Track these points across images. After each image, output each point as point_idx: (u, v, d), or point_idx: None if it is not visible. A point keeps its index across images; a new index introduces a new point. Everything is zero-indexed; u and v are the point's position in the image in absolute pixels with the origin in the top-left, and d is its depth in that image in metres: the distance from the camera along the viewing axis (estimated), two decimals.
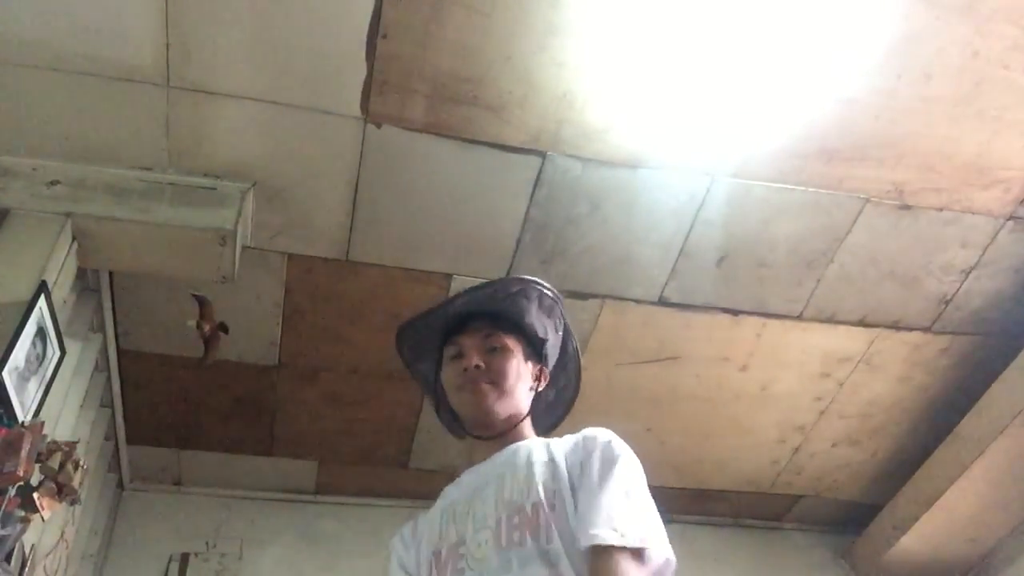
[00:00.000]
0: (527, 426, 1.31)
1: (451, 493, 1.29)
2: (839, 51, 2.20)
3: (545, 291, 1.35)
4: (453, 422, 1.37)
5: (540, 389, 1.35)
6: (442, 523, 1.23)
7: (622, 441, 1.20)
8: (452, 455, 3.04)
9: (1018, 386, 2.89)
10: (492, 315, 1.33)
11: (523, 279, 1.36)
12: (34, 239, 2.07)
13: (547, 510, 1.11)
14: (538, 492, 1.14)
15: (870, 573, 3.49)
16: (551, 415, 1.45)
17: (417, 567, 1.25)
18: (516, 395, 1.29)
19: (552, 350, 1.39)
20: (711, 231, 2.58)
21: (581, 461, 1.16)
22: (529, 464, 1.19)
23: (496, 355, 1.29)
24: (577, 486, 1.14)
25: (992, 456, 2.95)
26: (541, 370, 1.36)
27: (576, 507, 1.11)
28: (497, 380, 1.27)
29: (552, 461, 1.19)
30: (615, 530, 1.03)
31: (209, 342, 2.47)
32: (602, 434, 1.21)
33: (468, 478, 1.27)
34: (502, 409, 1.27)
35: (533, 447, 1.24)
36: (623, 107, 2.27)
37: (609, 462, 1.15)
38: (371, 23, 2.04)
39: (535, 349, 1.36)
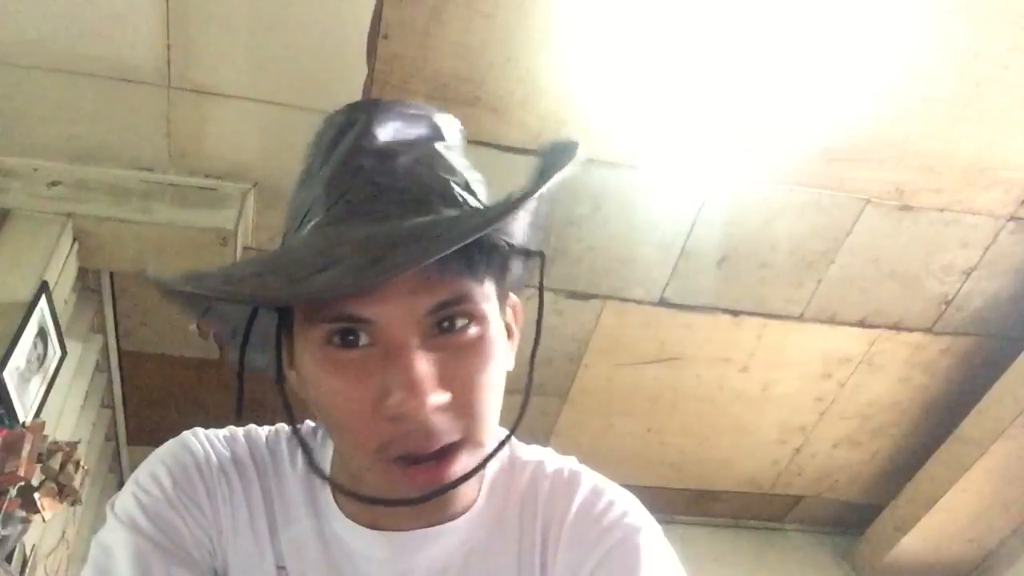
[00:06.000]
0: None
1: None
2: (839, 52, 2.20)
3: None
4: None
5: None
6: None
7: (653, 525, 0.69)
8: None
9: (1019, 386, 2.89)
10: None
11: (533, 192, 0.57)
12: (35, 239, 2.07)
13: None
14: None
15: (871, 574, 3.48)
16: None
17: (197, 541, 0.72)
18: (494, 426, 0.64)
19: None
20: (712, 231, 2.58)
21: None
22: None
23: (464, 352, 0.59)
24: None
25: (993, 457, 2.95)
26: (515, 308, 0.73)
27: None
28: (471, 427, 0.59)
29: None
30: None
31: (219, 341, 2.48)
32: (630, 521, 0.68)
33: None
34: (469, 481, 0.62)
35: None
36: (624, 108, 2.27)
37: None
38: (372, 23, 2.04)
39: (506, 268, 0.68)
